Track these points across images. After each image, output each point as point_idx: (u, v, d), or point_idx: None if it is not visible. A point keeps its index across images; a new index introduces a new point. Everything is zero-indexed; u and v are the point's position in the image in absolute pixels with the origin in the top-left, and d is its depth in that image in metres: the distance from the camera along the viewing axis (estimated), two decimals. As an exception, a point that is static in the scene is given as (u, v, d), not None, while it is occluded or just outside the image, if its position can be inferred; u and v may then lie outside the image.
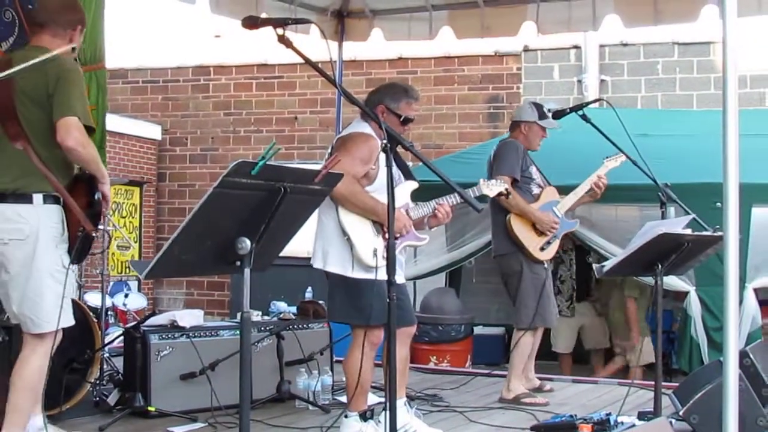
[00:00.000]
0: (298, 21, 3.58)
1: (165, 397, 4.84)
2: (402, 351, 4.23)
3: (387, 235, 3.15)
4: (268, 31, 3.22)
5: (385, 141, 3.18)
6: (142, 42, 12.13)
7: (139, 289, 10.55)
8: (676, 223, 4.59)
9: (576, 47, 10.71)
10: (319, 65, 3.32)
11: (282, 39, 3.15)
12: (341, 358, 4.51)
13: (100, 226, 4.84)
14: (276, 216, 2.75)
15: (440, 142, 11.00)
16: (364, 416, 4.29)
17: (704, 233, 4.46)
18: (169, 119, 12.36)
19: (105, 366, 5.24)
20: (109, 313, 6.41)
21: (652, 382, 4.59)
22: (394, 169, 3.60)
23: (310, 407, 5.12)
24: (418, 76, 11.03)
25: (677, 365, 7.06)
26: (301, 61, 3.21)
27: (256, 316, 5.59)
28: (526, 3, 6.76)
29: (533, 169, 5.58)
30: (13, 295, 3.73)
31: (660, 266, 4.33)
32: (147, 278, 10.29)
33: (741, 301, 6.21)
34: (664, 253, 4.30)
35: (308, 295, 7.40)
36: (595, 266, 4.91)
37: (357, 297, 4.19)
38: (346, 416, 4.32)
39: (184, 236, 2.65)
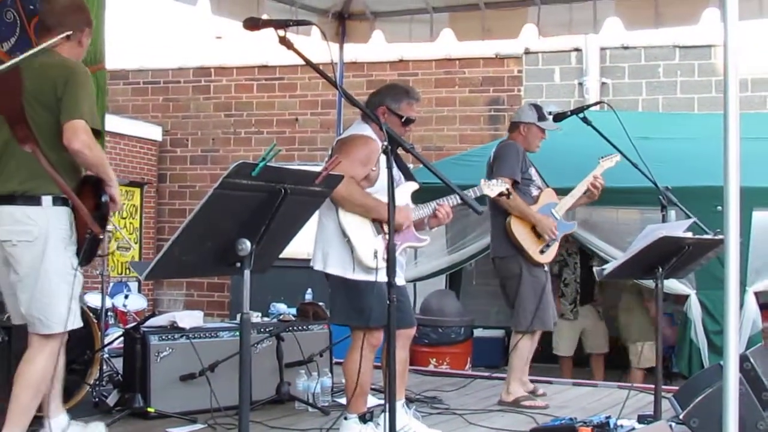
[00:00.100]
0: (299, 23, 3.59)
1: (164, 398, 4.84)
2: (401, 353, 4.22)
3: (387, 234, 3.14)
4: (269, 32, 3.23)
5: (385, 143, 3.18)
6: (143, 43, 12.14)
7: (139, 290, 10.55)
8: (677, 227, 4.58)
9: (577, 50, 10.71)
10: (320, 67, 3.32)
11: (283, 40, 3.15)
12: (341, 360, 4.51)
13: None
14: (276, 217, 2.75)
15: (441, 145, 11.00)
16: (364, 418, 4.29)
17: (705, 236, 4.45)
18: (169, 120, 12.36)
19: (105, 367, 5.24)
20: (109, 314, 6.41)
21: (652, 386, 4.58)
22: (395, 170, 3.60)
23: (310, 409, 5.12)
24: (418, 78, 11.02)
25: (677, 368, 7.06)
26: (302, 62, 3.22)
27: (256, 317, 5.58)
28: (527, 5, 6.77)
29: (532, 171, 5.58)
30: (21, 296, 3.75)
31: (660, 269, 4.32)
32: (147, 279, 10.32)
33: (741, 305, 6.21)
34: (665, 256, 4.29)
35: (308, 296, 7.39)
36: (595, 269, 4.92)
37: (357, 299, 4.19)
38: (345, 418, 4.32)
39: (184, 237, 2.65)
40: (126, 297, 7.90)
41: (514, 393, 5.44)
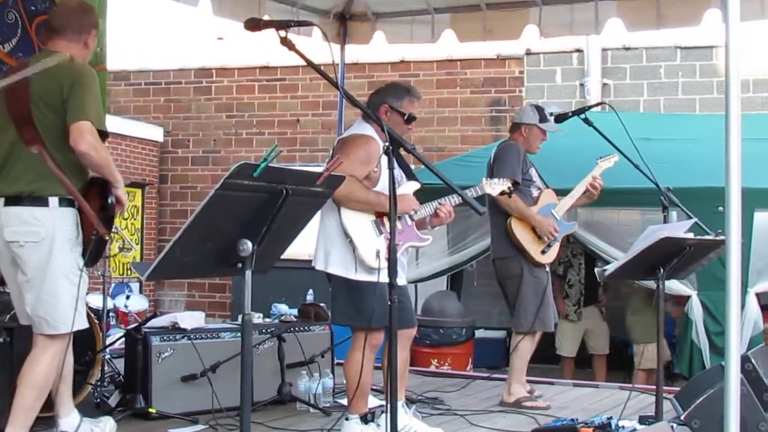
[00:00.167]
0: (300, 23, 3.58)
1: (166, 398, 4.84)
2: (402, 353, 4.22)
3: (388, 229, 3.14)
4: (271, 33, 3.23)
5: (386, 143, 3.18)
6: (144, 44, 12.15)
7: (141, 291, 10.57)
8: (678, 227, 4.58)
9: (578, 51, 10.72)
10: (322, 68, 3.32)
11: (284, 41, 3.15)
12: (342, 361, 4.51)
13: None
14: (278, 218, 2.75)
15: (442, 145, 11.01)
16: (365, 419, 4.29)
17: (706, 237, 4.45)
18: (171, 121, 12.37)
19: (106, 367, 5.25)
20: (110, 314, 6.42)
21: (654, 387, 4.58)
22: (397, 170, 3.60)
23: (311, 410, 5.12)
24: (420, 79, 11.02)
25: (678, 369, 7.05)
26: (304, 63, 3.21)
27: (258, 318, 5.58)
28: (529, 6, 6.76)
29: (533, 172, 5.58)
30: (27, 296, 3.76)
31: (662, 270, 4.32)
32: (148, 280, 10.32)
33: (743, 306, 6.21)
34: (666, 257, 4.29)
35: (309, 297, 7.38)
36: (597, 270, 4.91)
37: (358, 299, 4.20)
38: (346, 419, 4.33)
39: (185, 238, 2.65)
40: (127, 298, 7.91)
41: (515, 394, 5.44)
